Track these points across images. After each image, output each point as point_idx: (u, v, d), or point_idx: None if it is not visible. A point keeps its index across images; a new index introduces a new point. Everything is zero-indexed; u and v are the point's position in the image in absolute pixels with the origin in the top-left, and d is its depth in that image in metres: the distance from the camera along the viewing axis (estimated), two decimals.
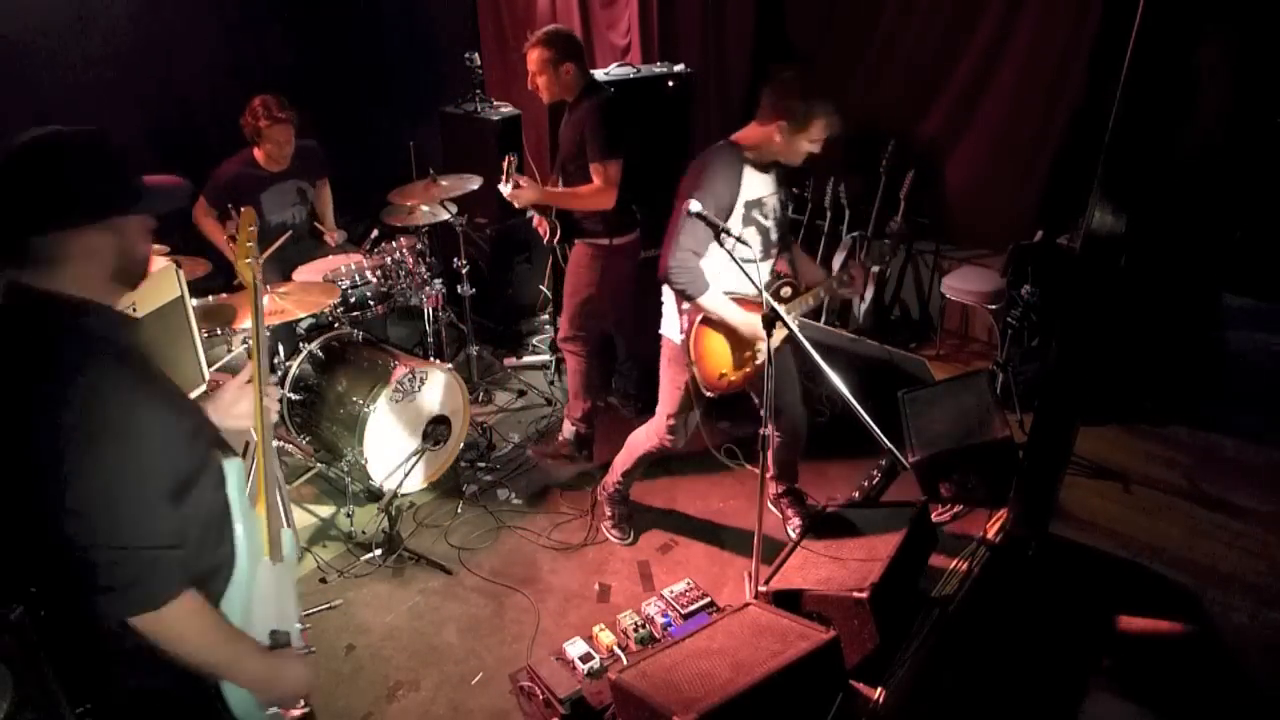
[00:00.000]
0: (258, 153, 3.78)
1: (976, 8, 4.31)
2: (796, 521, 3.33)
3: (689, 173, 2.73)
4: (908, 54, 4.61)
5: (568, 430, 3.82)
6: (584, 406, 3.76)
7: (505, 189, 3.35)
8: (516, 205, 3.44)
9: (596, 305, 3.58)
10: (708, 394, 2.86)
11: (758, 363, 2.88)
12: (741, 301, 2.77)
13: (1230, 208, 3.80)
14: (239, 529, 1.57)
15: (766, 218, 2.83)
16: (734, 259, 2.47)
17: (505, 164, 3.33)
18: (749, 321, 2.73)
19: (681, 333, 2.82)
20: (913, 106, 4.65)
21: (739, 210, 2.73)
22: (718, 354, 2.83)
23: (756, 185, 2.77)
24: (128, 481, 1.33)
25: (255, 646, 1.53)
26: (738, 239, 2.50)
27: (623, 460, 3.25)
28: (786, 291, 2.90)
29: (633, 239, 3.55)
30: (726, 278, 2.75)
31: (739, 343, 2.83)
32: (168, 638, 1.38)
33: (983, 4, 4.29)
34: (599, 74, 4.25)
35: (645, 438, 3.15)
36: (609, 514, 3.39)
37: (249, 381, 1.74)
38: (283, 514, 1.71)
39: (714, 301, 2.71)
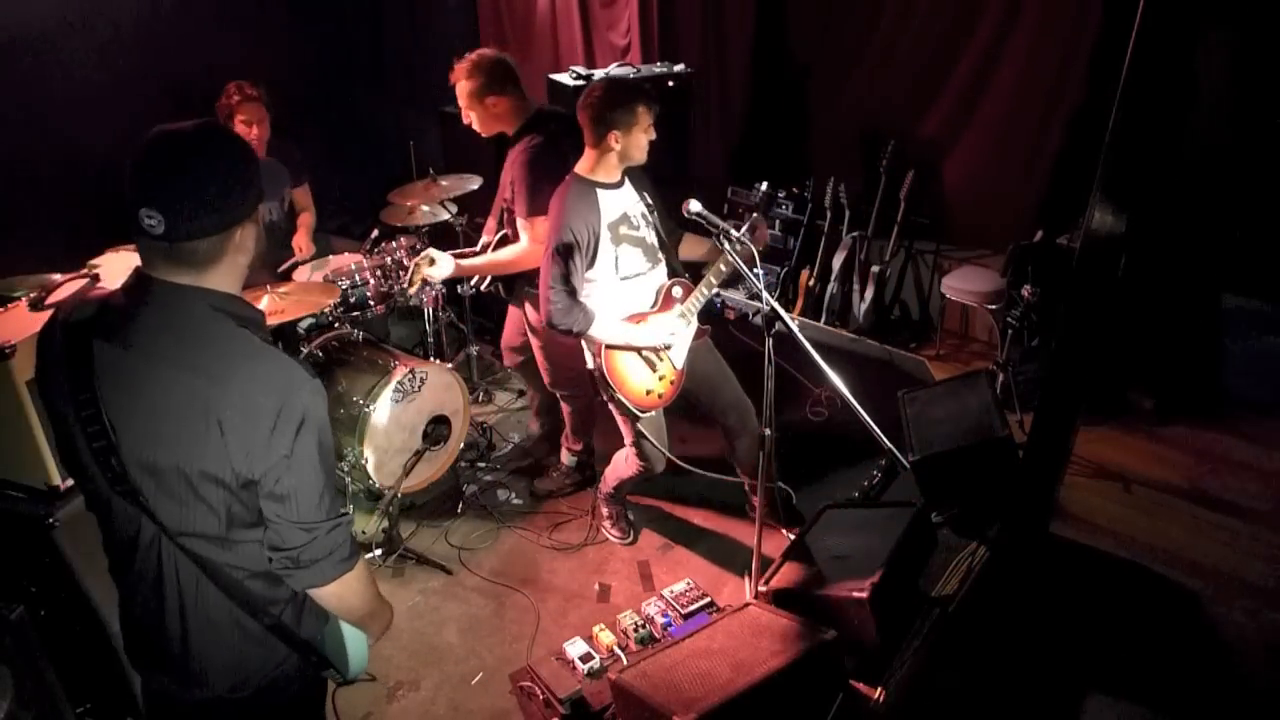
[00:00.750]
0: None
1: (976, 8, 4.31)
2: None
3: (550, 217, 2.73)
4: (908, 54, 4.61)
5: (567, 459, 3.70)
6: (584, 439, 3.66)
7: (412, 291, 3.18)
8: (436, 281, 3.16)
9: (578, 371, 3.06)
10: (644, 414, 2.84)
11: (679, 368, 2.88)
12: (634, 316, 2.79)
13: (1230, 208, 3.80)
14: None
15: (637, 229, 2.82)
16: (734, 259, 2.47)
17: (411, 266, 3.08)
18: (646, 334, 2.75)
19: (594, 365, 2.80)
20: (913, 106, 4.66)
21: (605, 235, 2.72)
22: (634, 373, 2.81)
23: (613, 204, 2.75)
24: (322, 464, 1.39)
25: (382, 597, 1.62)
26: (738, 239, 2.49)
27: (611, 476, 3.25)
28: (678, 290, 2.87)
29: None
30: (620, 291, 2.79)
31: (650, 357, 2.82)
32: (350, 596, 1.48)
33: (983, 4, 4.29)
34: (599, 74, 4.26)
35: (625, 463, 3.13)
36: (606, 514, 3.39)
37: None
38: None
39: (605, 330, 2.72)
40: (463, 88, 3.01)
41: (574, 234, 2.62)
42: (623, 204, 2.78)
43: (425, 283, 3.10)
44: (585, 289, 2.75)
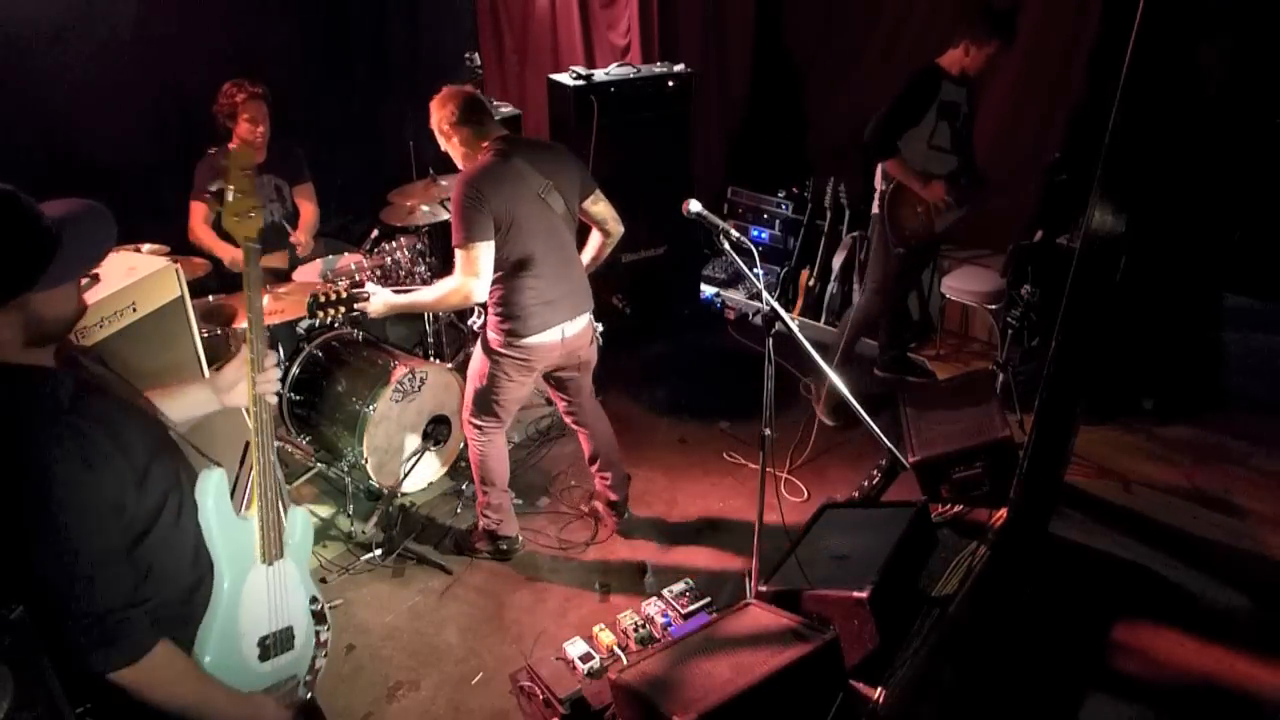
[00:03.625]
0: (233, 146, 3.77)
1: (976, 8, 4.31)
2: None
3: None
4: (907, 54, 4.61)
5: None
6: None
7: (335, 323, 3.04)
8: (370, 315, 2.81)
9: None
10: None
11: None
12: None
13: (1230, 208, 3.80)
14: (217, 545, 1.55)
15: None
16: (735, 259, 2.47)
17: (343, 294, 2.65)
18: None
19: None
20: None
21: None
22: None
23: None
24: (82, 551, 1.32)
25: (226, 693, 1.53)
26: (737, 239, 2.49)
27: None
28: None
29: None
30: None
31: None
32: (142, 689, 1.40)
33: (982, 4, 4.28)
34: (599, 74, 4.26)
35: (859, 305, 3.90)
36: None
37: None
38: (281, 507, 1.66)
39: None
40: (434, 125, 2.87)
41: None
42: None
43: (355, 315, 2.88)
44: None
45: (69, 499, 1.30)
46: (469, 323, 3.07)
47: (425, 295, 2.81)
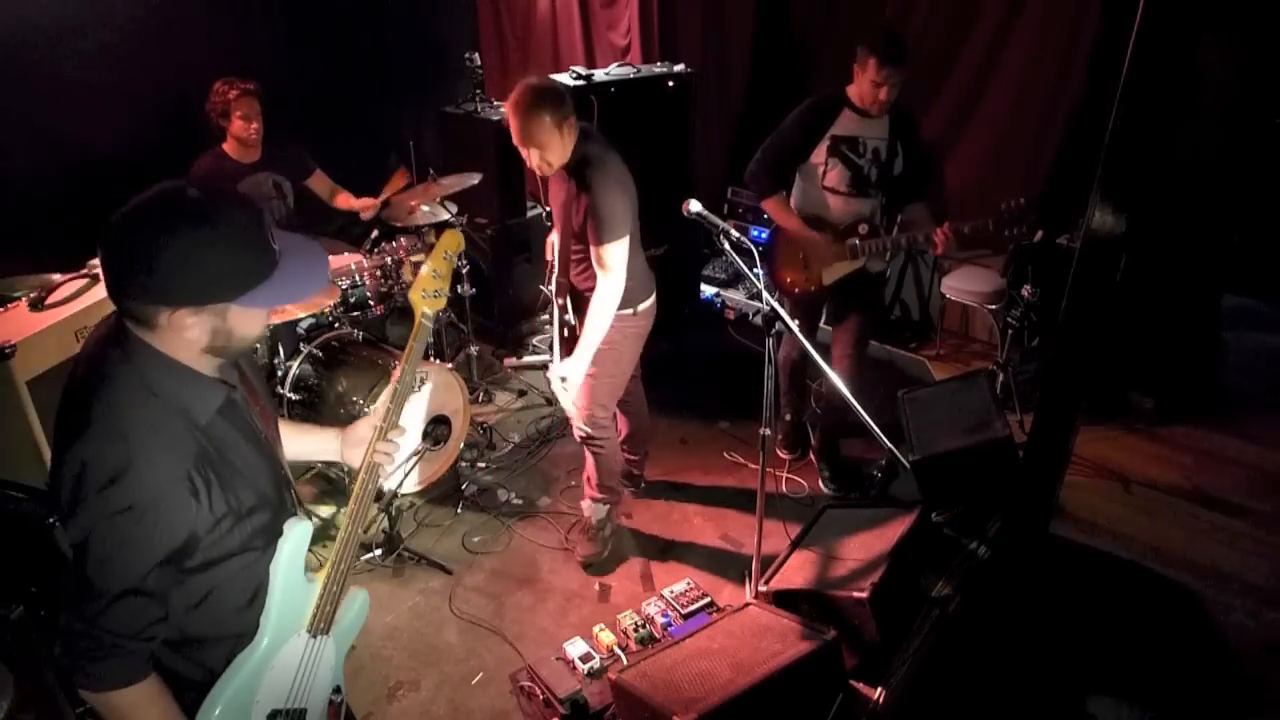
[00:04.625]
0: (227, 146, 3.78)
1: (976, 8, 4.31)
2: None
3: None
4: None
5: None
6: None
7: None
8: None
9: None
10: None
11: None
12: None
13: (1230, 208, 3.80)
14: (276, 598, 1.50)
15: None
16: (735, 259, 2.47)
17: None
18: None
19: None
20: (913, 106, 4.65)
21: None
22: None
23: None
24: (123, 563, 1.29)
25: None
26: (737, 239, 2.49)
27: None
28: None
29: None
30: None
31: None
32: (110, 714, 1.37)
33: (983, 4, 4.29)
34: (599, 74, 4.26)
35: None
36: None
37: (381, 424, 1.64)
38: (344, 582, 1.63)
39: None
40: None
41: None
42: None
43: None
44: None
45: (140, 508, 1.27)
46: (565, 319, 2.98)
47: (598, 324, 2.72)
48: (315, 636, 1.58)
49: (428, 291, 1.67)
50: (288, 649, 1.54)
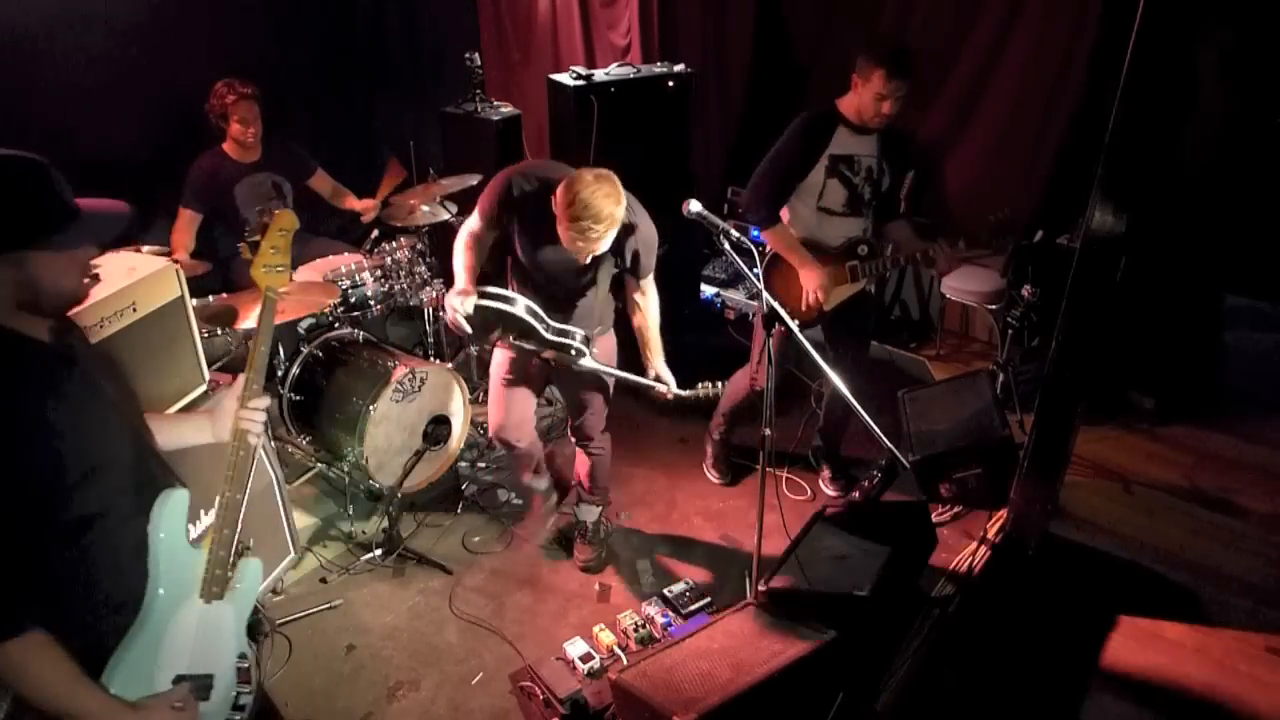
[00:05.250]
0: (227, 146, 3.80)
1: (976, 8, 4.31)
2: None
3: None
4: None
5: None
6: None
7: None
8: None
9: None
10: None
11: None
12: None
13: (1230, 208, 3.80)
14: (160, 565, 1.53)
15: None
16: (735, 259, 2.47)
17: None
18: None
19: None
20: (913, 106, 4.65)
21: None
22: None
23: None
24: None
25: (104, 698, 1.44)
26: (738, 239, 2.49)
27: (726, 401, 3.48)
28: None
29: None
30: None
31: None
32: (7, 672, 1.34)
33: (982, 5, 4.29)
34: (599, 74, 4.26)
35: (741, 374, 3.47)
36: (709, 453, 3.74)
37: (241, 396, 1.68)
38: (235, 550, 1.65)
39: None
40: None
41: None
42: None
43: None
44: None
45: None
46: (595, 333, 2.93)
47: (656, 327, 2.97)
48: (209, 602, 1.61)
49: (270, 266, 1.73)
50: (182, 613, 1.57)
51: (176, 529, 1.56)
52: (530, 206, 2.60)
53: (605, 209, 2.40)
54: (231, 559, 1.64)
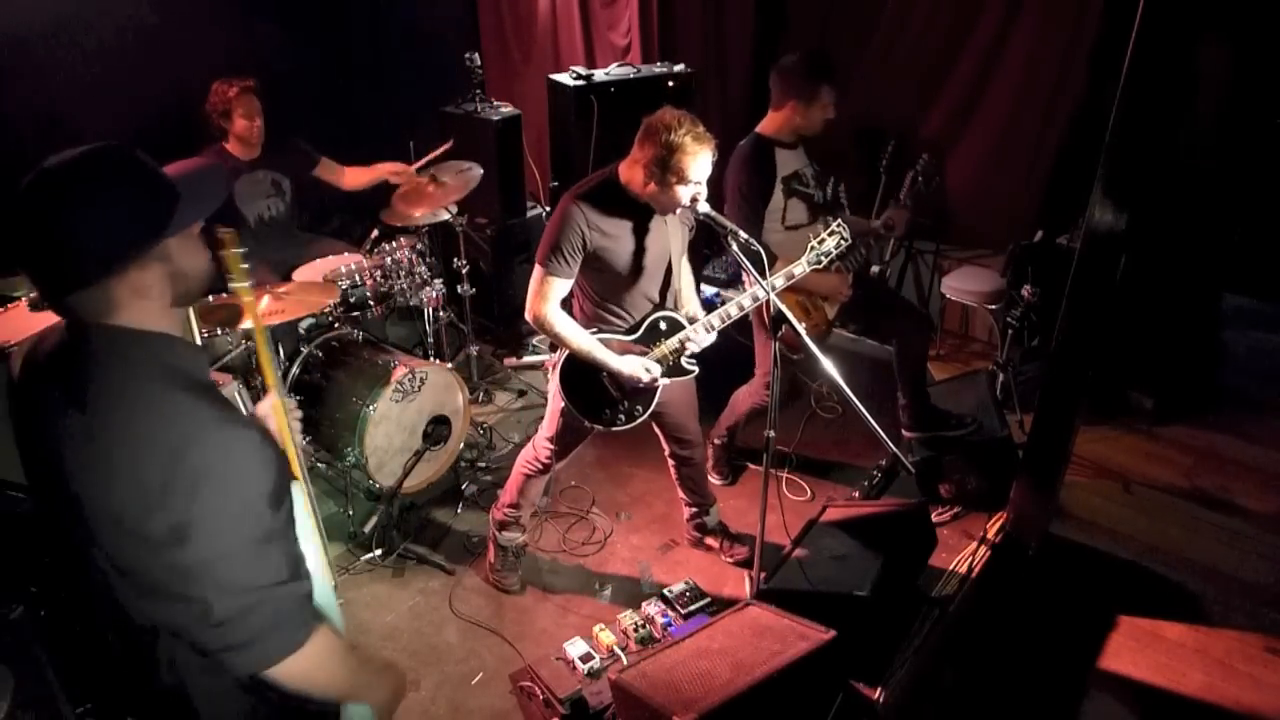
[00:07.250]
0: (227, 144, 3.79)
1: (976, 8, 4.31)
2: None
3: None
4: (908, 54, 4.61)
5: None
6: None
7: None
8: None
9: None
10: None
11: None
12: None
13: (1230, 207, 3.80)
14: (311, 549, 1.48)
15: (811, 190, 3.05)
16: (739, 260, 2.46)
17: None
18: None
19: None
20: (913, 106, 4.65)
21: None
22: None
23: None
24: (241, 522, 1.23)
25: (376, 666, 1.47)
26: (746, 240, 2.46)
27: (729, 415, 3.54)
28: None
29: None
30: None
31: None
32: (307, 678, 1.31)
33: (983, 4, 4.29)
34: (599, 74, 4.26)
35: (747, 394, 3.47)
36: (710, 456, 3.66)
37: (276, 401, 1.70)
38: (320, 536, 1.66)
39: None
40: None
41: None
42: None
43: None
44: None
45: (221, 466, 1.22)
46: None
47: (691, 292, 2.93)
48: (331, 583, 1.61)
49: (239, 279, 1.67)
50: (327, 594, 1.55)
51: (303, 513, 1.53)
52: (607, 212, 2.52)
53: (700, 124, 2.39)
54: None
